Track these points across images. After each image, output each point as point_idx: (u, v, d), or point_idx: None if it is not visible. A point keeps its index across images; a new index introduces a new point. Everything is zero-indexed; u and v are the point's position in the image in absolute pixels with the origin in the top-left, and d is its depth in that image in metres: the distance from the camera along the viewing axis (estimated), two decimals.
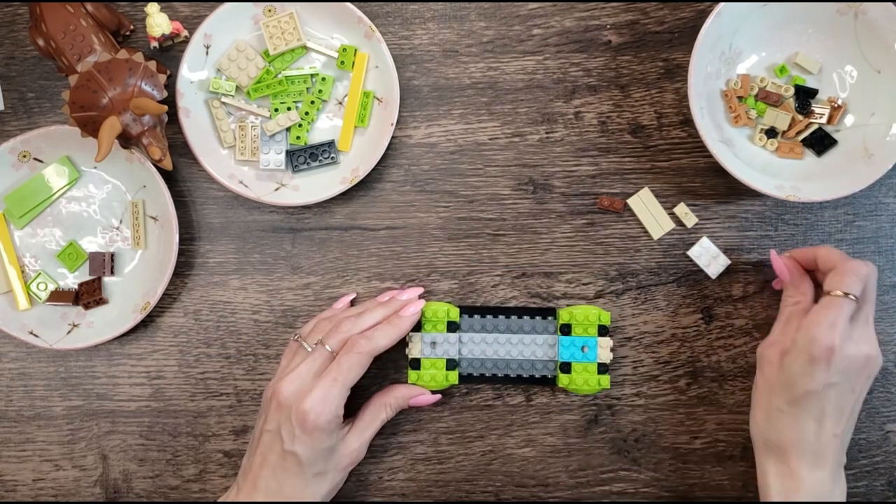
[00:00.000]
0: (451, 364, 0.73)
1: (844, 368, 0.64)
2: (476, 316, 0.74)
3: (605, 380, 0.73)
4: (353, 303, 0.76)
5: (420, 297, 0.74)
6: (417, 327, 0.73)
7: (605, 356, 0.73)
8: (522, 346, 0.74)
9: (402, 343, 0.73)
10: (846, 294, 0.65)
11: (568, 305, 0.75)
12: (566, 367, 0.73)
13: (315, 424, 0.65)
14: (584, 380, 0.72)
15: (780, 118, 0.74)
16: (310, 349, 0.69)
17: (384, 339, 0.69)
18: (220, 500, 0.70)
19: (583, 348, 0.73)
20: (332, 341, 0.69)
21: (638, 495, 0.76)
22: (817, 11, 0.72)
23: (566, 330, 0.73)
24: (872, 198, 0.76)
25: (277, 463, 0.67)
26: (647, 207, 0.75)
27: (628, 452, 0.76)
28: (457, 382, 0.73)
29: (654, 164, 0.76)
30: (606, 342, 0.73)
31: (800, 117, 0.74)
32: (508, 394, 0.76)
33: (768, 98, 0.74)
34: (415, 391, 0.73)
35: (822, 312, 0.65)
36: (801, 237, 0.76)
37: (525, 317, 0.74)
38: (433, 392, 0.74)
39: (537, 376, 0.74)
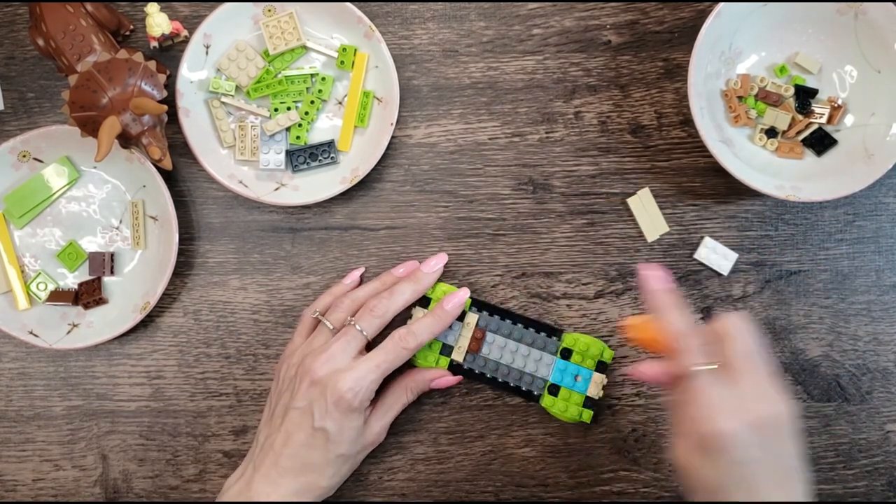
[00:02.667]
0: (447, 349, 0.73)
1: (745, 443, 0.55)
2: (484, 312, 0.74)
3: (588, 414, 0.73)
4: (362, 277, 0.76)
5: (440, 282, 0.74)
6: (425, 303, 0.73)
7: (595, 391, 0.73)
8: (520, 357, 0.73)
9: (406, 313, 0.73)
10: (699, 366, 0.57)
11: (575, 331, 0.75)
12: (554, 390, 0.73)
13: (350, 404, 0.65)
14: (567, 407, 0.72)
15: (780, 118, 0.74)
16: (331, 327, 0.69)
17: (428, 335, 0.70)
18: (231, 479, 0.69)
19: (576, 377, 0.73)
20: (364, 323, 0.69)
21: (638, 495, 0.76)
22: (817, 11, 0.72)
23: (566, 354, 0.73)
24: (872, 198, 0.76)
25: (304, 441, 0.66)
26: (645, 209, 0.75)
27: (628, 452, 0.76)
28: (445, 368, 0.73)
29: (654, 164, 0.76)
30: (601, 379, 0.73)
31: (800, 117, 0.74)
32: (508, 394, 0.75)
33: (768, 98, 0.74)
34: (435, 374, 0.73)
35: (695, 398, 0.56)
36: (801, 237, 0.76)
37: (531, 329, 0.74)
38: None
39: (524, 389, 0.73)
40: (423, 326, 0.70)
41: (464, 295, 0.72)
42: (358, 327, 0.68)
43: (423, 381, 0.73)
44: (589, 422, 0.73)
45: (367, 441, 0.70)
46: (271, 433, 0.68)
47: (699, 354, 0.58)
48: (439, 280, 0.74)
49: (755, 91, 0.74)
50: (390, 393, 0.72)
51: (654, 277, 0.61)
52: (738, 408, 0.55)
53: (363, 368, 0.66)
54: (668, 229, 0.75)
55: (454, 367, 0.74)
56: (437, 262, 0.74)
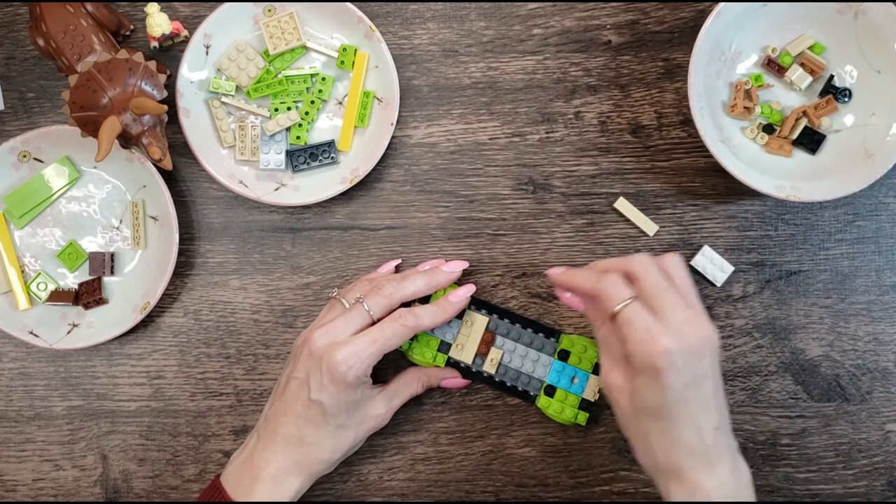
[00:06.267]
0: (444, 347, 0.73)
1: (686, 363, 0.59)
2: (483, 311, 0.74)
3: (583, 417, 0.73)
4: (397, 269, 0.76)
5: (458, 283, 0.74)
6: (425, 301, 0.73)
7: (591, 394, 0.73)
8: (517, 357, 0.73)
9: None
10: (625, 302, 0.61)
11: (575, 331, 0.75)
12: (550, 391, 0.73)
13: (343, 377, 0.66)
14: (563, 409, 0.72)
15: (799, 75, 0.73)
16: (347, 305, 0.70)
17: (429, 320, 0.70)
18: (237, 451, 0.70)
19: (573, 379, 0.73)
20: (371, 302, 0.69)
21: (638, 495, 0.76)
22: (817, 11, 0.72)
23: (563, 356, 0.73)
24: (872, 198, 0.76)
25: (301, 412, 0.67)
26: (630, 212, 0.75)
27: (628, 452, 0.76)
28: (443, 366, 0.73)
29: (654, 164, 0.76)
30: (597, 381, 0.73)
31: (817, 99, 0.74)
32: (508, 394, 0.75)
33: (775, 68, 0.73)
34: (448, 373, 0.74)
35: (631, 327, 0.60)
36: (801, 237, 0.76)
37: (529, 329, 0.74)
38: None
39: (520, 389, 0.74)
40: (424, 310, 0.70)
41: (470, 290, 0.72)
42: (365, 306, 0.69)
43: (436, 377, 0.74)
44: (584, 424, 0.73)
45: (368, 415, 0.70)
46: (274, 402, 0.69)
47: (620, 292, 0.62)
48: None
49: (763, 60, 0.73)
50: (402, 380, 0.73)
51: (554, 273, 0.68)
52: (672, 332, 0.59)
53: (360, 343, 0.67)
54: (657, 228, 0.75)
55: (461, 370, 0.74)
56: (457, 266, 0.74)
